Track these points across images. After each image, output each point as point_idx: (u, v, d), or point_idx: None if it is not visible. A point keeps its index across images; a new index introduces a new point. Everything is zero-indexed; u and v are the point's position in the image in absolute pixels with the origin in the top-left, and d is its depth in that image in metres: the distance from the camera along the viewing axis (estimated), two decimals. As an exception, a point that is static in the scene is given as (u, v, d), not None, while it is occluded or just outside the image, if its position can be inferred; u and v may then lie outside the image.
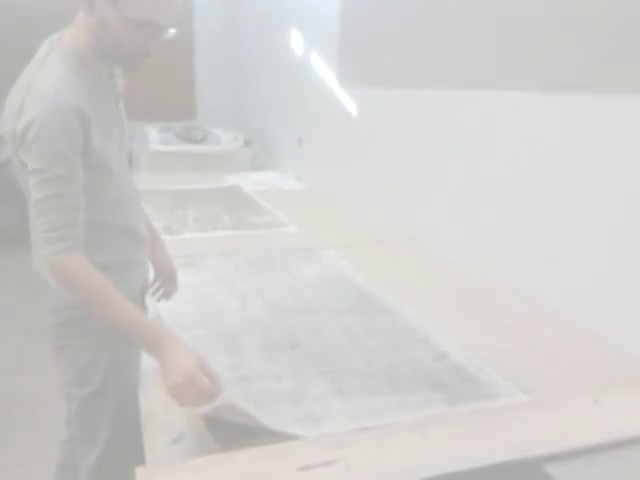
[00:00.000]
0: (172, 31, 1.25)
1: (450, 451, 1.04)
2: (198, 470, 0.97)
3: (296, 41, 3.89)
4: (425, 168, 2.38)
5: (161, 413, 1.16)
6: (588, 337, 1.54)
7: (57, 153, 1.11)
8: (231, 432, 1.09)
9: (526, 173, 1.79)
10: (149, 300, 1.56)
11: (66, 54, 1.19)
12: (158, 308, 1.61)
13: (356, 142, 3.04)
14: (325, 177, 3.49)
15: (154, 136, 4.15)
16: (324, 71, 3.37)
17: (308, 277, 2.01)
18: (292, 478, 0.97)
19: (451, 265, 2.10)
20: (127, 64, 1.25)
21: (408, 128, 2.50)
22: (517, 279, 1.83)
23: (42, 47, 1.22)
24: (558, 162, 1.67)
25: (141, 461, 1.04)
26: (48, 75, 1.15)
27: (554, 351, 1.47)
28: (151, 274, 1.53)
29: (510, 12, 1.81)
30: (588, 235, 1.59)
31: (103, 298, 1.16)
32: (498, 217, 1.94)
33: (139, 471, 0.96)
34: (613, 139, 1.50)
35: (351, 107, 3.04)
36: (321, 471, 0.98)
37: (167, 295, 1.57)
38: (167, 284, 1.56)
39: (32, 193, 1.14)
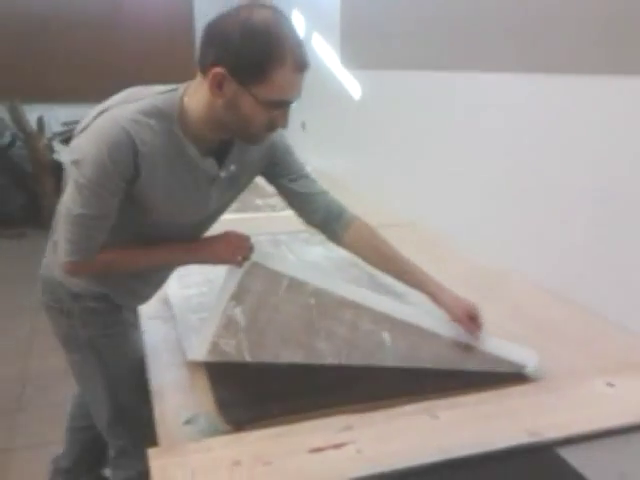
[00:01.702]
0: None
1: (461, 435, 1.04)
2: (210, 451, 0.98)
3: (298, 23, 3.85)
4: (429, 150, 2.36)
5: (173, 395, 1.16)
6: (600, 320, 1.53)
7: (105, 176, 1.11)
8: (242, 413, 1.09)
9: (533, 156, 1.78)
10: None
11: (172, 109, 1.16)
12: (166, 292, 1.61)
13: (360, 126, 3.02)
14: (329, 161, 3.47)
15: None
16: (327, 53, 3.34)
17: (313, 260, 2.00)
18: (303, 460, 0.97)
19: (457, 248, 2.09)
20: (252, 139, 1.22)
21: (412, 111, 2.48)
22: (524, 262, 1.83)
23: (155, 88, 1.20)
24: (565, 146, 1.66)
25: (151, 439, 1.04)
26: (133, 110, 1.13)
27: (566, 334, 1.46)
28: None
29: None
30: (592, 217, 1.58)
31: (124, 266, 1.27)
32: (504, 200, 1.93)
33: (152, 452, 0.96)
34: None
35: (354, 91, 3.01)
36: (332, 453, 0.98)
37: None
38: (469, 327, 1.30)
39: (68, 197, 1.16)
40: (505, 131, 1.90)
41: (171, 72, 5.24)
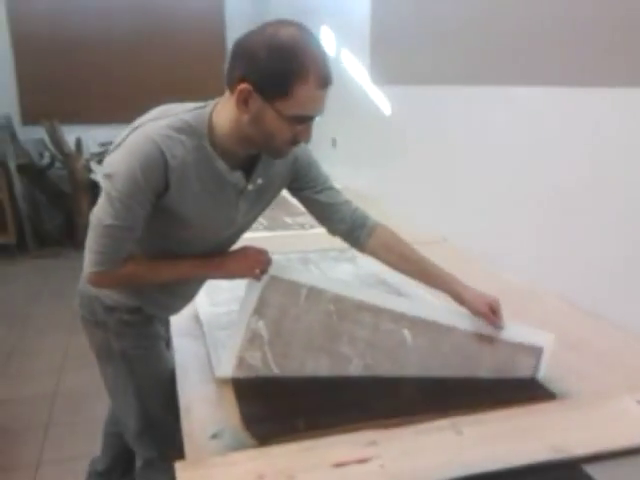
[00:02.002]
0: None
1: (486, 450, 1.03)
2: (235, 465, 0.99)
3: (328, 39, 3.89)
4: (460, 166, 2.36)
5: (200, 409, 1.18)
6: (631, 337, 1.51)
7: (137, 189, 1.15)
8: (267, 428, 1.10)
9: (565, 174, 1.77)
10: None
11: (203, 124, 1.20)
12: (196, 309, 1.64)
13: (390, 142, 3.03)
14: (359, 177, 3.49)
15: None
16: (357, 70, 3.36)
17: (343, 277, 2.01)
18: (327, 474, 0.98)
19: (486, 265, 2.08)
20: (277, 153, 1.25)
21: (442, 126, 2.49)
22: (554, 279, 1.81)
23: (186, 105, 1.24)
24: (598, 162, 1.64)
25: (179, 453, 1.06)
26: (164, 126, 1.17)
27: (595, 351, 1.44)
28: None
29: (543, 9, 1.79)
30: (622, 233, 1.56)
31: (149, 279, 1.31)
32: (535, 217, 1.92)
33: (179, 465, 0.98)
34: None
35: (384, 107, 3.03)
36: (356, 468, 0.99)
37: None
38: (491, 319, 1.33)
39: (99, 209, 1.19)
40: (539, 148, 1.88)
41: (203, 90, 5.38)
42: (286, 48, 1.09)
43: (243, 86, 1.11)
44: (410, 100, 2.80)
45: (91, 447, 2.45)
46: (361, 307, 1.35)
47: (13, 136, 5.11)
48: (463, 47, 2.25)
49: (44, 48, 5.19)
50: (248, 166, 1.28)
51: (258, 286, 1.36)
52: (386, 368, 1.30)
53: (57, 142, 4.90)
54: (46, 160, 5.21)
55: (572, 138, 1.73)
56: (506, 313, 1.32)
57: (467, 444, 1.06)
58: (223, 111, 1.19)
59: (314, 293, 1.36)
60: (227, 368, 1.30)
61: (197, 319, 1.62)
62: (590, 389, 1.26)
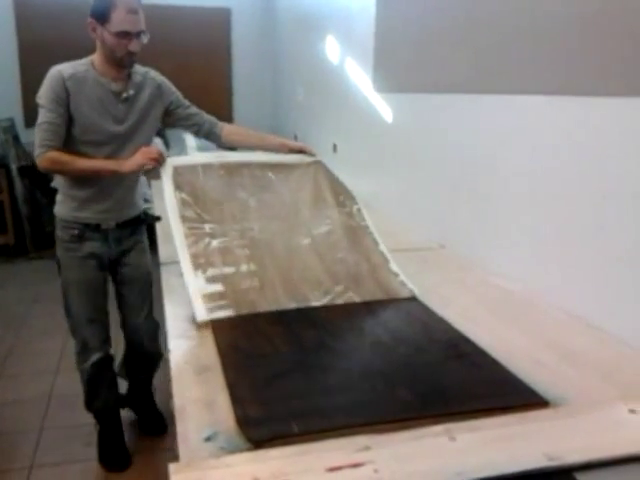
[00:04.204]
0: (144, 36, 1.98)
1: (479, 457, 1.03)
2: (229, 467, 0.99)
3: (332, 47, 3.92)
4: (459, 174, 2.37)
5: (194, 412, 1.18)
6: (626, 347, 1.51)
7: (49, 100, 1.96)
8: (262, 431, 1.11)
9: (566, 182, 1.77)
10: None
11: (90, 59, 2.07)
12: (193, 312, 1.64)
13: (390, 148, 3.04)
14: (359, 184, 3.49)
15: (191, 142, 4.22)
16: (359, 77, 3.38)
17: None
18: (321, 478, 0.98)
19: (485, 273, 2.09)
20: (121, 63, 2.02)
21: (441, 135, 2.50)
22: (549, 287, 1.81)
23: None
24: (603, 172, 1.64)
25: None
26: (68, 65, 2.04)
27: (590, 361, 1.44)
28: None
29: (548, 17, 1.80)
30: (625, 245, 1.56)
31: (72, 167, 2.00)
32: (532, 225, 1.92)
33: (172, 467, 0.98)
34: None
35: (386, 114, 3.04)
36: (350, 472, 0.99)
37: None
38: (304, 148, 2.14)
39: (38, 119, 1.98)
40: (538, 156, 1.88)
41: (209, 79, 5.58)
42: None
43: (90, 20, 1.95)
44: (411, 108, 2.82)
45: (85, 451, 2.45)
46: (239, 165, 2.01)
47: (16, 138, 5.13)
48: (465, 56, 2.26)
49: (49, 52, 5.20)
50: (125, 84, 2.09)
51: (168, 180, 1.87)
52: (269, 197, 1.98)
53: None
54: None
55: (573, 146, 1.73)
56: (503, 321, 1.32)
57: (461, 450, 1.06)
58: (96, 47, 2.03)
59: (206, 167, 1.96)
60: (202, 311, 1.61)
61: (192, 321, 1.62)
62: (584, 397, 1.26)
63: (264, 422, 1.14)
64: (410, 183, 2.84)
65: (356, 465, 1.01)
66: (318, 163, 2.08)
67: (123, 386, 2.56)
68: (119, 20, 1.89)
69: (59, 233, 2.17)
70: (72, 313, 2.23)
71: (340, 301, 1.76)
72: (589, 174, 1.67)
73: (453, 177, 2.42)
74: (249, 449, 1.06)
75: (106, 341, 2.29)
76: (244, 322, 1.61)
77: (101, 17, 1.91)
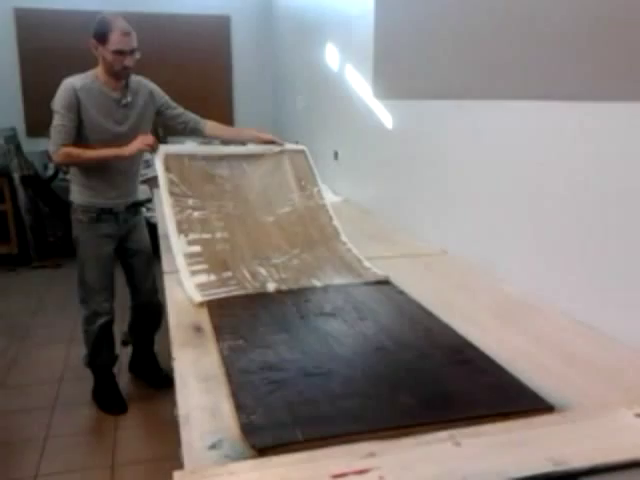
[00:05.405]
0: (137, 53, 2.47)
1: (484, 462, 1.03)
2: (233, 475, 0.99)
3: (331, 54, 3.93)
4: (460, 180, 2.37)
5: (199, 419, 1.18)
6: (630, 351, 1.50)
7: (63, 106, 2.45)
8: (266, 438, 1.10)
9: (566, 188, 1.77)
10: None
11: (94, 72, 2.54)
12: (199, 319, 1.64)
13: (391, 155, 3.05)
14: (360, 190, 3.51)
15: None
16: (360, 84, 3.39)
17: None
18: (326, 485, 0.98)
19: (487, 278, 2.09)
20: (119, 75, 2.50)
21: (442, 141, 2.50)
22: (553, 292, 1.81)
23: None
24: (602, 177, 1.64)
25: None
26: (77, 77, 2.52)
27: (595, 365, 1.44)
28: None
29: (546, 22, 1.81)
30: (624, 249, 1.56)
31: (83, 157, 2.48)
32: (536, 230, 1.92)
33: (177, 474, 0.98)
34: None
35: (386, 121, 3.05)
36: (355, 479, 0.99)
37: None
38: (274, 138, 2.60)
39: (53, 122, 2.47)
40: (540, 162, 1.88)
41: (210, 87, 5.65)
42: (104, 20, 2.41)
43: (92, 41, 2.43)
44: (411, 114, 2.82)
45: (89, 459, 2.45)
46: (218, 156, 2.41)
47: (18, 148, 5.15)
48: (464, 62, 2.27)
49: (49, 63, 5.26)
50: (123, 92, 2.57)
51: (160, 163, 2.24)
52: (242, 182, 2.37)
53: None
54: (50, 172, 5.24)
55: (575, 152, 1.73)
56: (507, 326, 1.32)
57: (466, 456, 1.05)
58: (99, 63, 2.50)
59: (191, 157, 2.33)
60: (195, 292, 1.84)
61: (198, 329, 1.62)
62: (589, 402, 1.26)
63: (268, 430, 1.14)
64: (411, 189, 2.84)
65: (361, 472, 1.00)
66: (284, 152, 2.53)
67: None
68: (116, 41, 2.39)
69: (80, 217, 2.64)
70: (86, 284, 2.69)
71: (296, 261, 2.14)
72: (590, 181, 1.67)
73: (454, 183, 2.42)
74: (253, 456, 1.06)
75: (111, 308, 2.78)
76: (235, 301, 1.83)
77: (101, 38, 2.40)
